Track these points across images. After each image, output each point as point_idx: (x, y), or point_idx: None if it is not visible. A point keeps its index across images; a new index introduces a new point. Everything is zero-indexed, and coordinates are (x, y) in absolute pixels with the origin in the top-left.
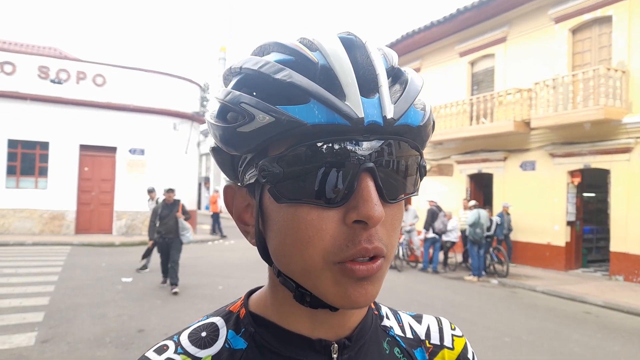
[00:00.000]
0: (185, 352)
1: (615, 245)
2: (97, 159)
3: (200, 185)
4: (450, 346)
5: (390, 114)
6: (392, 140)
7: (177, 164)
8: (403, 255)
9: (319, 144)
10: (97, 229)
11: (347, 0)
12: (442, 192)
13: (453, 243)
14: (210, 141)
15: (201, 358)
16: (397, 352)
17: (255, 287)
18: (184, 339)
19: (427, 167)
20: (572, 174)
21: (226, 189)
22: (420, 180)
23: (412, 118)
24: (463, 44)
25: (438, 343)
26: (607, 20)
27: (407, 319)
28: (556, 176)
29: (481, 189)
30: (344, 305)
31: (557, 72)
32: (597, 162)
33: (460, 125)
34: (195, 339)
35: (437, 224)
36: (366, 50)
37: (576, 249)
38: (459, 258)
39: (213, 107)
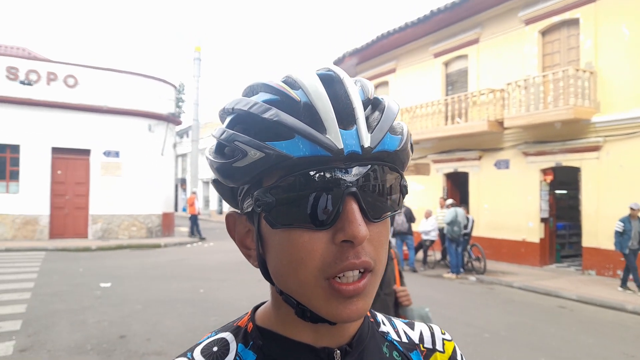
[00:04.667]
0: None
1: (587, 240)
2: (70, 161)
3: (177, 187)
4: (442, 349)
5: (367, 143)
6: (372, 165)
7: (153, 166)
8: None
9: (306, 174)
10: (72, 234)
11: (322, 1)
12: (419, 191)
13: (432, 241)
14: (188, 143)
15: None
16: (396, 355)
17: (260, 303)
18: (197, 354)
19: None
20: (545, 172)
21: (228, 217)
22: (403, 198)
23: (389, 144)
24: (437, 45)
25: (431, 347)
26: (574, 22)
27: (401, 325)
28: (529, 174)
29: (457, 187)
30: (337, 320)
31: (528, 72)
32: (568, 160)
33: (435, 125)
34: (207, 353)
35: (395, 224)
36: (343, 85)
37: (550, 245)
38: (438, 256)
39: (211, 144)
